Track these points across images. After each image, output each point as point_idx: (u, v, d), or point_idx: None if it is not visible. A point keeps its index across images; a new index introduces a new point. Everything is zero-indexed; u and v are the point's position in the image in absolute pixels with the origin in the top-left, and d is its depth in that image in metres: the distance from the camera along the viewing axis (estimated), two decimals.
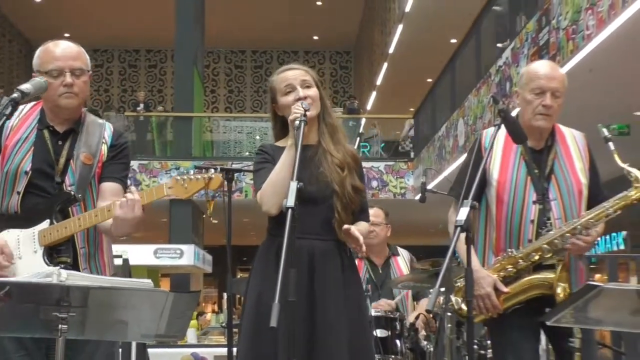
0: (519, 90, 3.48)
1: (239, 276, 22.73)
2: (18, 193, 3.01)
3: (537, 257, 3.29)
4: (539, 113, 3.34)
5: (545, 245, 3.27)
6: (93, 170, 3.08)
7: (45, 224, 2.99)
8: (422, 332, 4.91)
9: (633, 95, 8.38)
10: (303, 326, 2.97)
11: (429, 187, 6.41)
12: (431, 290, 4.74)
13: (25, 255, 2.98)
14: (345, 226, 3.02)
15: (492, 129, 3.33)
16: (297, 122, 2.96)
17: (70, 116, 3.12)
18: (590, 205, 3.33)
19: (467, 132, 12.65)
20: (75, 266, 3.00)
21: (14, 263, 2.97)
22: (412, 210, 15.25)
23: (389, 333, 4.51)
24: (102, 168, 3.12)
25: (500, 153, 3.41)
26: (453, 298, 3.45)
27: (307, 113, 3.01)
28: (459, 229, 2.81)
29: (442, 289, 3.87)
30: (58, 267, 2.84)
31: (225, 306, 17.34)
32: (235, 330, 5.39)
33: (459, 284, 3.44)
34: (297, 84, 3.16)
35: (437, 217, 16.26)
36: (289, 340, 2.71)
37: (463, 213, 2.83)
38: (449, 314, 4.15)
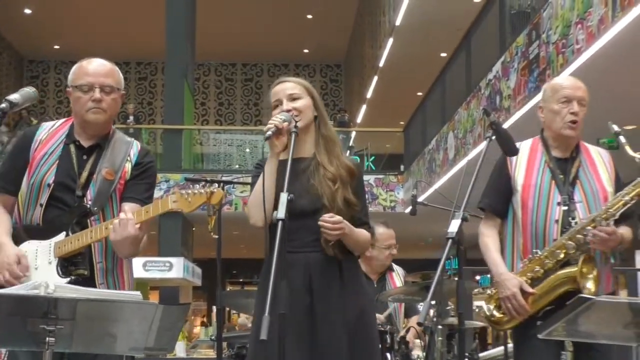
0: (542, 105, 3.57)
1: (228, 289, 22.69)
2: (41, 205, 3.08)
3: (562, 255, 3.33)
4: (568, 121, 3.43)
5: (568, 242, 3.31)
6: (114, 185, 3.13)
7: (61, 235, 3.05)
8: (416, 343, 4.90)
9: (623, 109, 8.40)
10: (306, 340, 2.98)
11: (420, 199, 6.38)
12: (421, 305, 4.74)
13: (42, 266, 3.04)
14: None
15: (525, 142, 3.46)
16: (268, 133, 2.98)
17: (97, 132, 3.18)
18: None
19: (457, 146, 12.67)
20: (91, 280, 3.04)
21: (29, 275, 3.01)
22: (402, 224, 15.21)
23: (380, 346, 4.48)
24: (126, 186, 3.17)
25: (526, 161, 3.49)
26: (485, 305, 3.49)
27: (284, 124, 3.01)
28: (450, 241, 2.80)
29: (433, 302, 3.88)
30: (67, 279, 2.98)
31: (214, 319, 17.27)
32: (224, 343, 5.37)
33: (489, 292, 3.49)
34: (283, 97, 3.16)
35: (426, 230, 16.32)
36: (280, 353, 2.70)
37: (454, 225, 2.83)
38: (440, 326, 4.14)
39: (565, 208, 3.37)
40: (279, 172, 3.02)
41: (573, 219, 3.35)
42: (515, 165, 3.49)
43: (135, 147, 3.24)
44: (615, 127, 3.41)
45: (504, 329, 3.53)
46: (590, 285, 3.26)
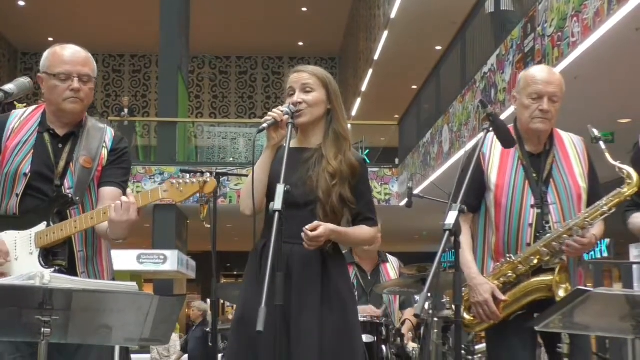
0: (516, 95, 3.48)
1: (222, 282, 22.65)
2: (17, 195, 3.04)
3: (536, 261, 3.28)
4: (535, 117, 3.35)
5: (543, 249, 3.26)
6: (92, 173, 3.10)
7: (42, 226, 3.01)
8: (409, 337, 4.90)
9: (618, 103, 8.41)
10: (283, 332, 2.93)
11: (415, 192, 6.38)
12: (417, 298, 4.74)
13: (22, 257, 3.00)
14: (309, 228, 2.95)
15: (491, 135, 3.30)
16: (263, 125, 2.98)
17: (72, 120, 3.15)
18: None
19: (452, 139, 12.66)
20: (72, 269, 3.02)
21: (10, 261, 2.98)
22: (397, 217, 15.27)
23: (375, 339, 4.48)
24: (102, 172, 3.13)
25: (498, 158, 3.41)
26: (454, 307, 3.39)
27: (284, 117, 3.01)
28: (447, 232, 2.79)
29: (429, 294, 3.86)
30: (51, 270, 2.91)
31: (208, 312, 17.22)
32: (219, 335, 5.36)
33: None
34: (297, 88, 3.14)
35: (422, 223, 16.32)
36: (268, 345, 2.69)
37: (451, 217, 2.81)
38: (436, 319, 4.14)
39: (539, 211, 3.31)
40: (279, 161, 2.99)
41: (547, 223, 3.30)
42: (489, 160, 3.41)
43: (110, 133, 3.22)
44: (595, 132, 3.34)
45: (474, 332, 3.50)
46: (562, 293, 3.22)
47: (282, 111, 3.02)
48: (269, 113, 3.02)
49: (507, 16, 10.03)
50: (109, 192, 3.09)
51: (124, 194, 3.11)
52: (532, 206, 3.32)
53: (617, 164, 3.26)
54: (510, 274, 3.30)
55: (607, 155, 3.24)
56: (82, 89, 3.08)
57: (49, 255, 3.00)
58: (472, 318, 3.38)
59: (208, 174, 3.02)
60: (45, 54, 3.13)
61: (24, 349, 2.93)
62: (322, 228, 2.95)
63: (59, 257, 3.00)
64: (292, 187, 2.86)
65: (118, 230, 2.98)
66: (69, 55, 3.10)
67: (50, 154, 3.08)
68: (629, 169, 3.26)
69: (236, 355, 3.06)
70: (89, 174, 3.08)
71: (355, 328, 3.15)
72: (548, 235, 3.27)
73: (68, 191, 3.04)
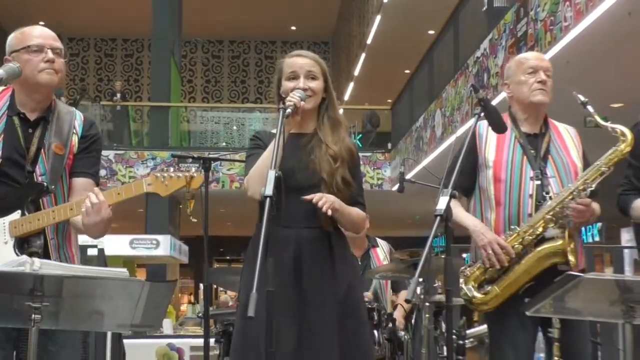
0: (507, 81, 3.56)
1: (215, 266, 22.67)
2: None
3: (541, 229, 3.30)
4: (536, 89, 3.42)
5: (548, 216, 3.28)
6: (64, 160, 3.01)
7: (16, 214, 2.92)
8: (401, 319, 4.91)
9: (610, 88, 8.42)
10: (294, 316, 2.97)
11: (407, 177, 6.38)
12: (410, 281, 4.75)
13: None
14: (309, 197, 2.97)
15: (486, 121, 3.30)
16: (288, 111, 2.95)
17: (44, 98, 3.04)
18: None
19: (444, 124, 12.66)
20: (46, 257, 2.93)
21: None
22: (389, 202, 15.28)
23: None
24: (73, 160, 3.05)
25: (495, 137, 3.44)
26: (464, 287, 3.41)
27: (301, 103, 3.00)
28: (438, 218, 2.79)
29: (421, 279, 3.87)
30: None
31: (201, 296, 17.25)
32: (211, 320, 5.37)
33: (467, 272, 3.42)
34: (301, 74, 3.13)
35: (413, 208, 16.34)
36: (268, 329, 2.69)
37: (442, 202, 2.82)
38: (427, 303, 4.15)
39: (539, 182, 3.35)
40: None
41: (547, 193, 3.33)
42: (485, 143, 3.46)
43: (79, 117, 3.11)
44: (582, 97, 3.36)
45: (486, 310, 3.43)
46: (570, 257, 3.25)
47: (299, 97, 3.01)
48: (289, 99, 2.98)
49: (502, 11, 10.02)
50: (81, 183, 3.01)
51: (97, 184, 3.04)
52: (531, 178, 3.36)
53: (608, 124, 3.31)
54: (516, 245, 3.30)
55: (597, 117, 3.31)
56: (56, 60, 2.99)
57: (23, 243, 2.93)
58: (483, 295, 3.34)
59: (194, 169, 2.95)
60: (10, 37, 3.06)
61: (0, 336, 2.86)
62: (323, 194, 2.99)
63: (34, 245, 2.92)
64: (293, 172, 2.90)
65: (94, 231, 2.93)
66: (38, 31, 3.05)
67: (20, 139, 2.98)
68: (622, 127, 3.31)
69: (249, 340, 3.06)
70: (61, 160, 3.00)
71: (362, 304, 3.22)
72: (550, 202, 3.30)
73: (40, 178, 2.96)
